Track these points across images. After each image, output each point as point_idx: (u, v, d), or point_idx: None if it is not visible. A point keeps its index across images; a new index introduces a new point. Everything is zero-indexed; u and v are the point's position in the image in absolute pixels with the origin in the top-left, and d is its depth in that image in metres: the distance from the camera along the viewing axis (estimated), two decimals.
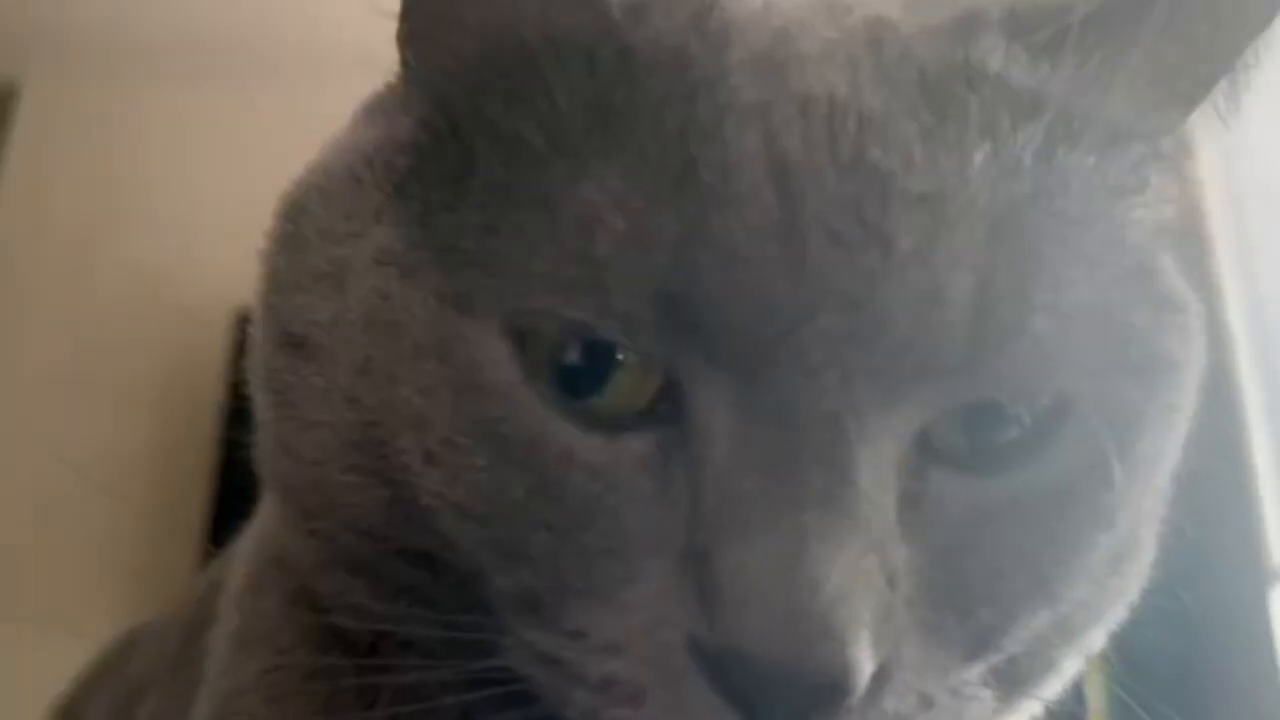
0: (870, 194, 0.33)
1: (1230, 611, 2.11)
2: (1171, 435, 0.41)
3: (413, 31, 0.43)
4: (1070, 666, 0.43)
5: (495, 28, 0.39)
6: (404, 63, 0.44)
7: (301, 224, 0.43)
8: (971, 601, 0.35)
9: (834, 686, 0.32)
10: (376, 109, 0.46)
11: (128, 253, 2.44)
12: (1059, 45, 0.37)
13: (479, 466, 0.36)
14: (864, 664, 0.32)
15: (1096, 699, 1.83)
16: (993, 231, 0.34)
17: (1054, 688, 0.43)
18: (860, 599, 0.32)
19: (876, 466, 0.34)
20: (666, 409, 0.36)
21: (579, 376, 0.36)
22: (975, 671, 0.37)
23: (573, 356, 0.36)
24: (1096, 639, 0.44)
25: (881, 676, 0.33)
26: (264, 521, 0.52)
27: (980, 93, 0.36)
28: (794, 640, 0.31)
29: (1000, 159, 0.35)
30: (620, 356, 0.35)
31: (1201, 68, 0.41)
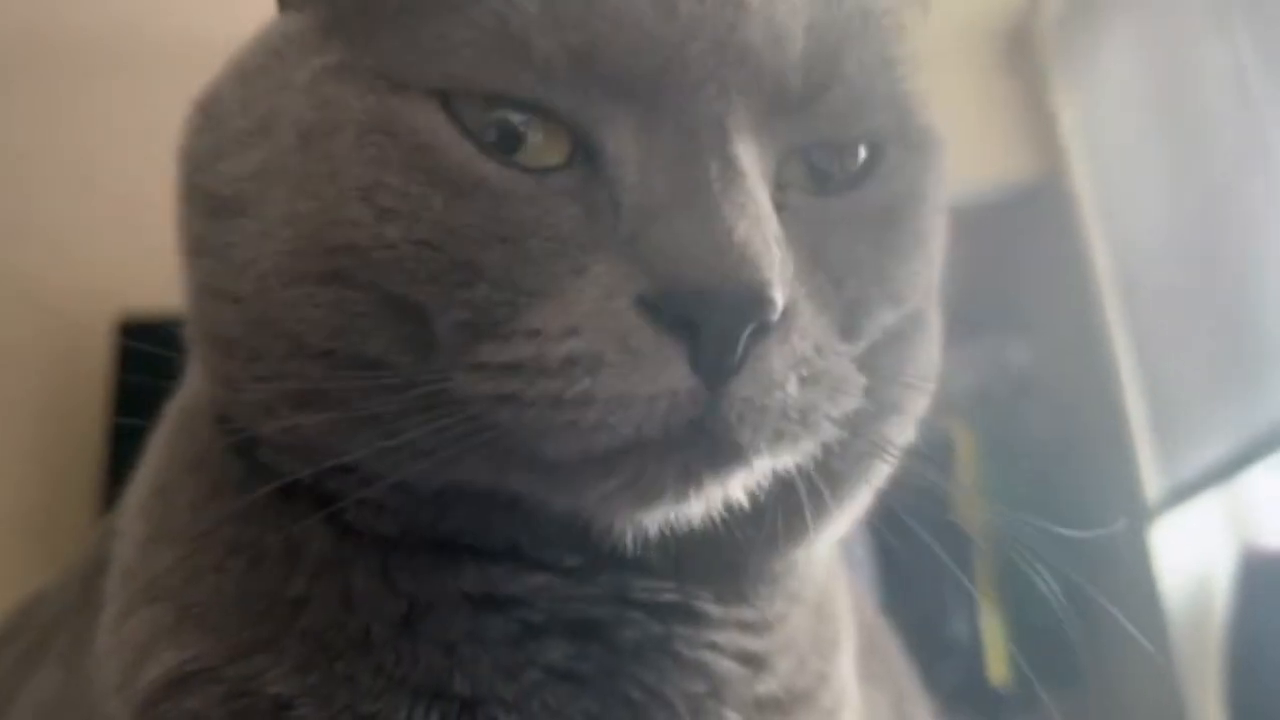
0: None
1: (1109, 549, 2.21)
2: (938, 218, 0.50)
3: None
4: (910, 405, 0.50)
5: None
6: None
7: (220, 106, 0.48)
8: (838, 274, 0.44)
9: (757, 301, 0.39)
10: (268, 30, 0.50)
11: (3, 261, 2.33)
12: None
13: (435, 207, 0.42)
14: (777, 286, 0.39)
15: (994, 637, 1.91)
16: (812, 9, 0.44)
17: (901, 415, 0.50)
18: (765, 242, 0.39)
19: (754, 168, 0.42)
20: (580, 160, 0.43)
21: (501, 139, 0.43)
22: (849, 350, 0.44)
23: (491, 128, 0.43)
24: (918, 401, 0.50)
25: (789, 315, 0.41)
26: (171, 436, 0.55)
27: None
28: (721, 265, 0.38)
29: None
30: (524, 129, 0.42)
31: None
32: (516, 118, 0.42)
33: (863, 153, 0.47)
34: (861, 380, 0.44)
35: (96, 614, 0.52)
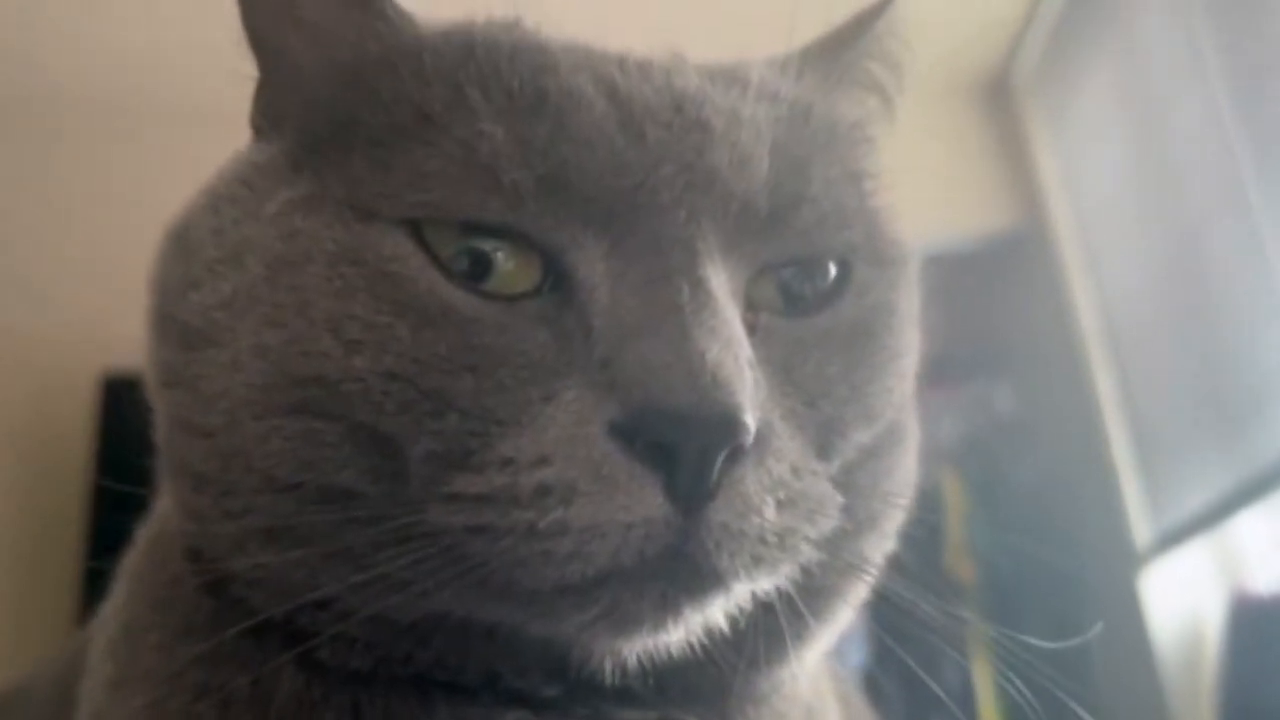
0: (686, 101, 0.45)
1: (1101, 597, 2.20)
2: (910, 331, 0.51)
3: (272, 90, 0.50)
4: (888, 522, 0.50)
5: (343, 64, 0.47)
6: (259, 119, 0.50)
7: (191, 236, 0.47)
8: (812, 395, 0.44)
9: (731, 424, 0.38)
10: (239, 159, 0.49)
11: None
12: (792, 68, 0.51)
13: (402, 337, 0.41)
14: (750, 408, 0.39)
15: (985, 686, 1.89)
16: (777, 129, 0.46)
17: (878, 525, 0.49)
18: (738, 365, 0.39)
19: (725, 290, 0.42)
20: (551, 284, 0.43)
21: (472, 267, 0.43)
22: (825, 469, 0.44)
23: (462, 256, 0.43)
24: (896, 517, 0.50)
25: (763, 438, 0.40)
26: (140, 568, 0.54)
27: (755, 76, 0.49)
28: (693, 389, 0.38)
29: (772, 102, 0.48)
30: (495, 255, 0.43)
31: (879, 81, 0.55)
32: (488, 244, 0.42)
33: (833, 270, 0.47)
34: (839, 499, 0.43)
35: None
